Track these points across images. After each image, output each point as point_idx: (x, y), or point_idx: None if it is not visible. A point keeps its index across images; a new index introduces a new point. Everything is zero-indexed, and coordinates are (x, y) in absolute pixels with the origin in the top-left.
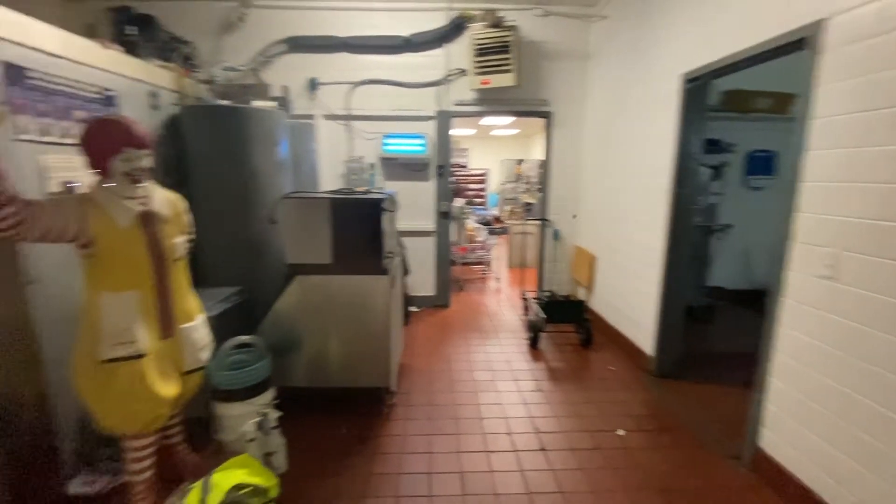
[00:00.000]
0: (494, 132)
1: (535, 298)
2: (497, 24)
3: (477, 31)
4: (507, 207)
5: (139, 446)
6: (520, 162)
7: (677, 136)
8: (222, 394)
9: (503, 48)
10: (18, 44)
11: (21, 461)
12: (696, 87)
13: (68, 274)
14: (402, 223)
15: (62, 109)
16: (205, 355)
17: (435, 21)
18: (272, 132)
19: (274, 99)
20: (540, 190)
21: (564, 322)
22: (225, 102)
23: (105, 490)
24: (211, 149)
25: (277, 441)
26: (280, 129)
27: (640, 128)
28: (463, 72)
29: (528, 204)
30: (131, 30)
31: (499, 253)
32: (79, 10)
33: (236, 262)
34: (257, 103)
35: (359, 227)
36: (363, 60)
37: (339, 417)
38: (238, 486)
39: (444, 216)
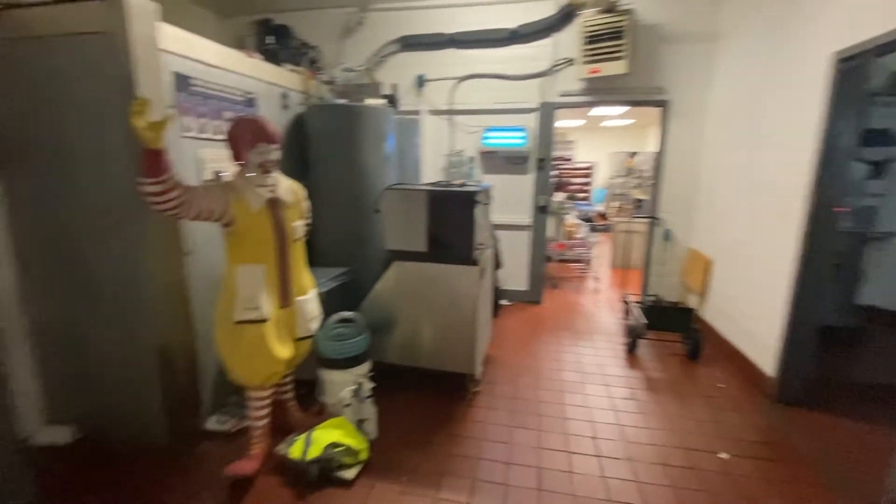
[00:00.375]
0: (606, 123)
1: (637, 302)
2: (611, 8)
3: (588, 18)
4: (615, 204)
5: (259, 397)
6: (632, 155)
7: (824, 125)
8: (326, 361)
9: (616, 34)
10: (185, 57)
11: (174, 398)
12: (852, 68)
13: (214, 248)
14: (498, 216)
15: (215, 111)
16: (314, 325)
17: (543, 11)
18: (381, 128)
19: (384, 97)
20: (652, 185)
21: (669, 330)
22: (341, 101)
23: (233, 430)
24: (328, 144)
25: (370, 410)
26: (388, 126)
27: (777, 117)
28: (570, 61)
29: (639, 200)
30: (270, 39)
31: (601, 251)
32: (231, 25)
33: (345, 246)
34: (369, 101)
35: (452, 218)
36: (468, 55)
37: (426, 397)
38: (334, 444)
39: (542, 211)
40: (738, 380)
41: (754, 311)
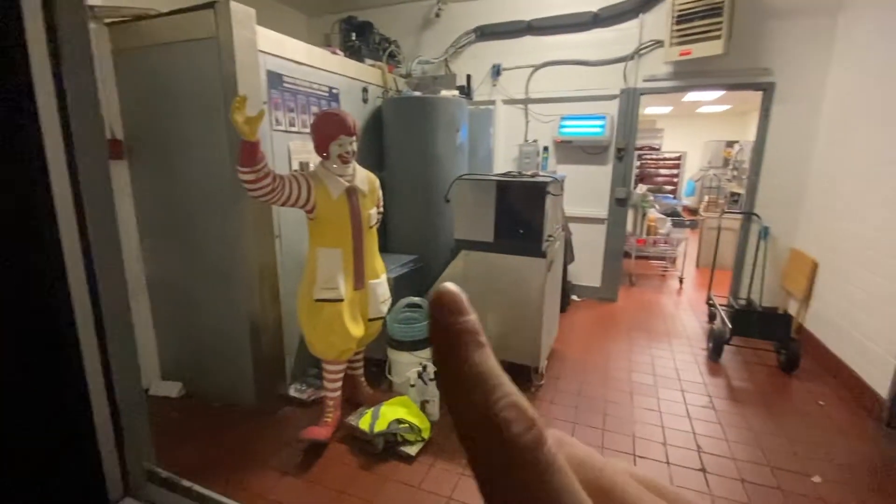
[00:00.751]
0: (701, 109)
1: (724, 305)
2: None
3: None
4: (706, 197)
5: (333, 370)
6: (730, 144)
7: None
8: (394, 342)
9: (713, 11)
10: (277, 56)
11: (262, 365)
12: None
13: (299, 232)
14: (572, 208)
15: (302, 105)
16: (385, 308)
17: None
18: (454, 119)
19: (458, 88)
20: (748, 178)
21: (761, 337)
22: (416, 94)
23: (310, 398)
24: (402, 135)
25: (433, 392)
26: (461, 116)
27: None
28: (658, 43)
29: (735, 194)
30: (353, 36)
31: (687, 249)
32: (319, 24)
33: (415, 234)
34: (444, 93)
35: (521, 209)
36: (546, 42)
37: None
38: (399, 420)
39: (621, 203)
40: (841, 398)
41: (872, 321)
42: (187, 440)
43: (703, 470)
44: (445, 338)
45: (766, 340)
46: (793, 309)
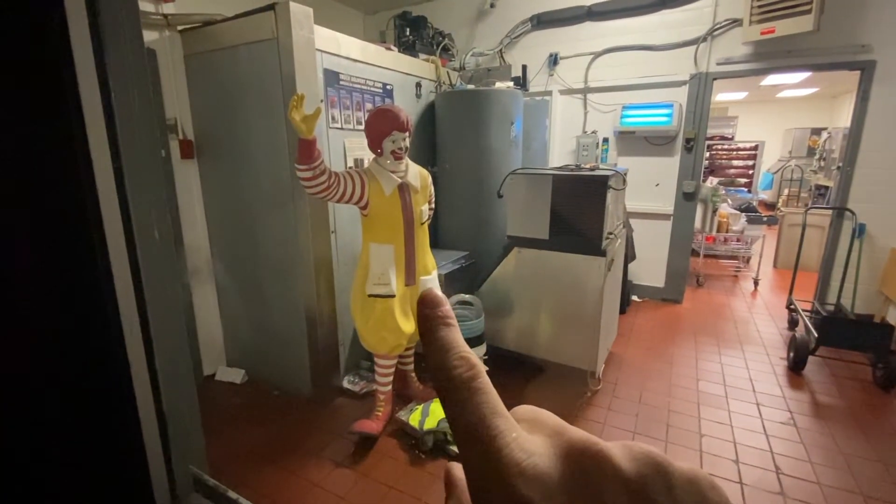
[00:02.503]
0: (782, 94)
1: (808, 311)
2: None
3: None
4: (786, 191)
5: (385, 365)
6: (817, 132)
7: None
8: None
9: None
10: (333, 54)
11: (317, 357)
12: None
13: (353, 228)
14: (634, 203)
15: (357, 102)
16: None
17: None
18: (508, 112)
19: (513, 79)
20: (840, 169)
21: (853, 348)
22: (470, 87)
23: (362, 391)
24: (454, 129)
25: None
26: (515, 109)
27: None
28: (735, 22)
29: (822, 187)
30: (407, 31)
31: (763, 247)
32: (374, 21)
33: (467, 230)
34: (498, 85)
35: (578, 205)
36: (606, 28)
37: (541, 388)
38: None
39: (688, 198)
40: None
41: None
42: (247, 425)
43: (782, 494)
44: (425, 321)
45: (859, 352)
46: (892, 317)
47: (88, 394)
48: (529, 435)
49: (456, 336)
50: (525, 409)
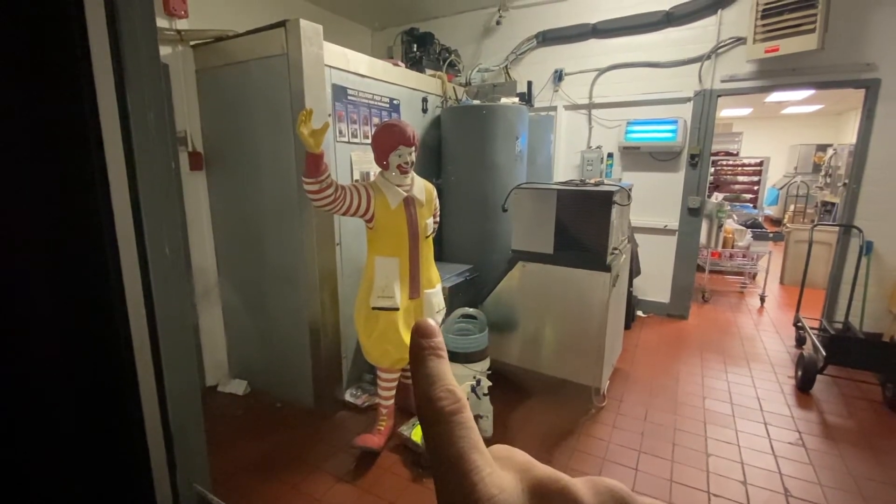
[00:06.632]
0: (787, 110)
1: (816, 329)
2: None
3: None
4: (791, 207)
5: (387, 378)
6: (822, 148)
7: None
8: (448, 353)
9: (806, 2)
10: (341, 70)
11: (320, 369)
12: None
13: (358, 240)
14: (639, 218)
15: (364, 117)
16: (439, 318)
17: None
18: (513, 127)
19: (518, 95)
20: (846, 186)
21: (862, 368)
22: (475, 102)
23: (364, 404)
24: (460, 144)
25: (487, 407)
26: (520, 124)
27: None
28: (739, 40)
29: (828, 204)
30: (415, 47)
31: (769, 264)
32: (382, 37)
33: (471, 244)
34: (504, 100)
35: (583, 219)
36: (611, 45)
37: (545, 404)
38: None
39: (694, 213)
40: None
41: None
42: (249, 438)
43: None
44: (417, 350)
45: (868, 371)
46: None
47: (97, 410)
48: (502, 471)
49: (444, 368)
50: (501, 448)
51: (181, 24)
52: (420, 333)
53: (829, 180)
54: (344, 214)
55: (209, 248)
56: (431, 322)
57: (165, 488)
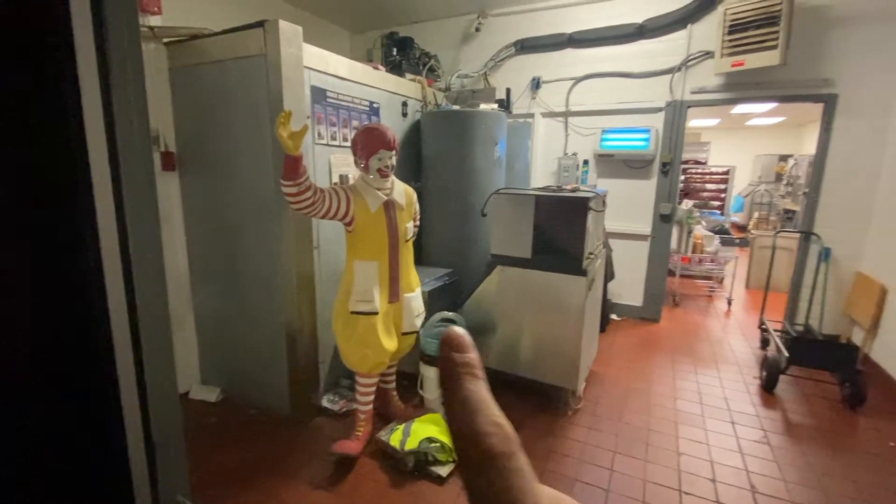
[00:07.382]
0: (752, 122)
1: (779, 331)
2: None
3: (733, 5)
4: (756, 214)
5: (365, 384)
6: (784, 158)
7: None
8: (427, 357)
9: (769, 20)
10: (321, 72)
11: (297, 374)
12: None
13: (337, 244)
14: (613, 224)
15: (344, 119)
16: (419, 322)
17: (677, 1)
18: (492, 133)
19: (497, 101)
20: (806, 194)
21: (821, 368)
22: (455, 107)
23: (342, 410)
24: (439, 148)
25: None
26: (498, 130)
27: None
28: (708, 54)
29: (789, 211)
30: (394, 51)
31: (736, 269)
32: (362, 40)
33: (451, 248)
34: (483, 106)
35: (560, 225)
36: (587, 55)
37: (523, 407)
38: (430, 439)
39: (665, 220)
40: None
41: None
42: (223, 446)
43: None
44: (450, 368)
45: (827, 371)
46: (857, 338)
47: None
48: None
49: (485, 395)
50: (550, 493)
51: (154, 21)
52: (452, 346)
53: (790, 189)
54: (323, 217)
55: (181, 249)
56: (463, 332)
57: (146, 501)
